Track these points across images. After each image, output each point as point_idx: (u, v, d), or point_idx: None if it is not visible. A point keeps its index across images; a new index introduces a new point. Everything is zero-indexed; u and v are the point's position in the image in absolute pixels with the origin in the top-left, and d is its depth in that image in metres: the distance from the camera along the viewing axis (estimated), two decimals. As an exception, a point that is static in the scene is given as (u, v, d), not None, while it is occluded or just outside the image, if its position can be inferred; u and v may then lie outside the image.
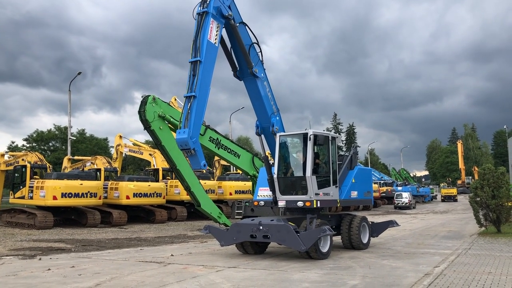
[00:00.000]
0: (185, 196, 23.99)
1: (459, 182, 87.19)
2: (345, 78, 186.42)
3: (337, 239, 12.88)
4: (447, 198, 61.33)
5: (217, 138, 18.15)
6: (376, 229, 14.04)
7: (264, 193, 12.90)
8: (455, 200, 60.01)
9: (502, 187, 16.24)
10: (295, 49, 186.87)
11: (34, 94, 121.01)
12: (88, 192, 21.68)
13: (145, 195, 24.18)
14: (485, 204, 16.40)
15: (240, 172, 26.52)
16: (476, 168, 68.87)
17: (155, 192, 24.64)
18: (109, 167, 26.78)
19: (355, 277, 8.72)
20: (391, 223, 14.38)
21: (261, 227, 10.97)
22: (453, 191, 63.64)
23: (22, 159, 24.79)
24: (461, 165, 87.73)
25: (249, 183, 25.45)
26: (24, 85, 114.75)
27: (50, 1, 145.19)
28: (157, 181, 26.45)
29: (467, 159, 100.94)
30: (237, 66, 13.20)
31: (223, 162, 33.29)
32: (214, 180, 29.60)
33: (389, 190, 51.65)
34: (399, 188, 52.31)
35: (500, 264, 10.06)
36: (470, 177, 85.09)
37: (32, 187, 21.27)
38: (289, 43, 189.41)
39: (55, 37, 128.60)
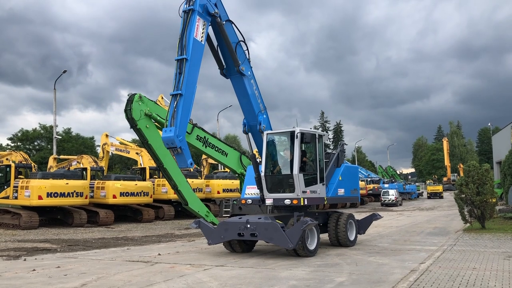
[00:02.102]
0: (172, 195, 23.90)
1: (444, 179, 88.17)
2: (333, 75, 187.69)
3: (324, 236, 12.94)
4: (433, 195, 62.03)
5: (205, 137, 18.09)
6: (362, 225, 14.09)
7: (251, 191, 12.89)
8: (441, 197, 60.71)
9: (486, 184, 16.47)
10: (283, 46, 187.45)
11: (19, 92, 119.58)
12: (74, 191, 21.45)
13: (132, 194, 24.02)
14: (470, 201, 16.61)
15: (228, 170, 26.48)
16: (461, 165, 69.78)
17: (142, 191, 24.49)
18: (95, 166, 26.54)
19: (342, 274, 8.76)
20: (374, 216, 14.42)
21: (248, 225, 10.97)
22: (439, 188, 64.34)
23: (6, 159, 24.43)
24: (446, 162, 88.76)
25: (237, 182, 25.45)
26: (8, 83, 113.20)
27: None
28: (144, 180, 26.30)
29: (452, 157, 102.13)
30: (223, 64, 13.19)
31: (210, 161, 33.22)
32: (201, 178, 29.51)
33: (376, 187, 52.03)
34: (386, 185, 52.76)
35: (484, 259, 10.20)
36: (455, 174, 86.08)
37: (17, 187, 20.96)
38: (277, 40, 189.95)
39: (39, 34, 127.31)
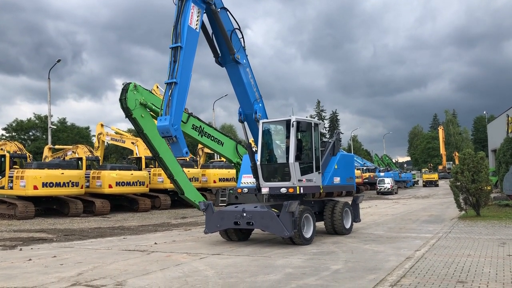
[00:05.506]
0: (168, 185, 23.87)
1: (440, 167, 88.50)
2: (330, 64, 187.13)
3: (320, 224, 12.98)
4: (429, 183, 62.28)
5: (200, 126, 18.00)
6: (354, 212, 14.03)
7: (247, 180, 12.88)
8: (436, 185, 60.98)
9: (482, 172, 16.52)
10: (280, 34, 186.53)
11: (13, 81, 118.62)
12: (70, 181, 21.41)
13: (128, 183, 23.96)
14: (465, 189, 16.68)
15: (224, 159, 26.47)
16: (457, 154, 70.06)
17: (138, 180, 24.44)
18: (90, 156, 26.47)
19: (338, 262, 8.80)
20: (357, 199, 14.42)
21: (244, 214, 10.98)
22: (435, 176, 64.61)
23: (1, 149, 24.32)
24: (442, 150, 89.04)
25: (233, 171, 25.42)
26: (2, 72, 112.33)
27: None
28: (140, 169, 26.24)
29: (448, 145, 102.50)
30: (218, 52, 13.09)
31: (207, 150, 33.17)
32: (197, 168, 29.50)
33: (371, 176, 52.23)
34: (382, 174, 52.99)
35: (479, 246, 10.26)
36: (451, 162, 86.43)
37: (12, 177, 20.91)
38: (274, 28, 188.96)
39: (31, 22, 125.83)
